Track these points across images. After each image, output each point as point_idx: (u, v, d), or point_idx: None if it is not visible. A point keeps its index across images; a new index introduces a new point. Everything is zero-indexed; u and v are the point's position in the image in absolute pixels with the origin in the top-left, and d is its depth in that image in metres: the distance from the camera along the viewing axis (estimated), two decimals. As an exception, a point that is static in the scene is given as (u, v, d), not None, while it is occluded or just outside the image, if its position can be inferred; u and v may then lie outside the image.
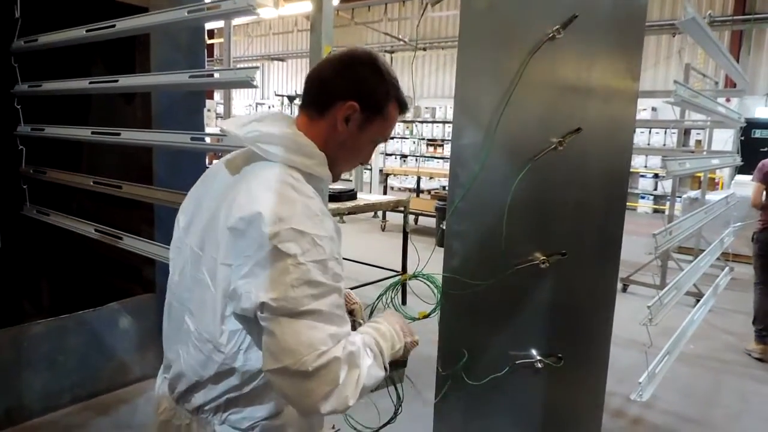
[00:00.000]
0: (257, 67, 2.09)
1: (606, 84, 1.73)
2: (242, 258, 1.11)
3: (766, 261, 5.01)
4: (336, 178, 1.36)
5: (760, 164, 4.92)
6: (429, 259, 1.80)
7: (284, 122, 1.29)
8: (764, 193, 4.87)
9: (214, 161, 1.48)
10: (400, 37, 15.38)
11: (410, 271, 5.75)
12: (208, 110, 12.91)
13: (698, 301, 4.48)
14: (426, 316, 1.93)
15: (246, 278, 1.10)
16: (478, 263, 1.78)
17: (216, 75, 2.54)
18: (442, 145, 16.99)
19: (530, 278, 1.77)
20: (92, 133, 3.08)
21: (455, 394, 1.87)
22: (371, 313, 1.97)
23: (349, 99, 1.26)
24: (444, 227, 1.81)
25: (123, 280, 4.12)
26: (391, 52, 17.79)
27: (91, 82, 3.09)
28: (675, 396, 3.96)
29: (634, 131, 1.78)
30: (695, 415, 3.81)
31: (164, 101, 3.75)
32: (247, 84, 2.12)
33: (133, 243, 3.08)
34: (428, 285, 1.70)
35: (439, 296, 1.90)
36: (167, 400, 1.37)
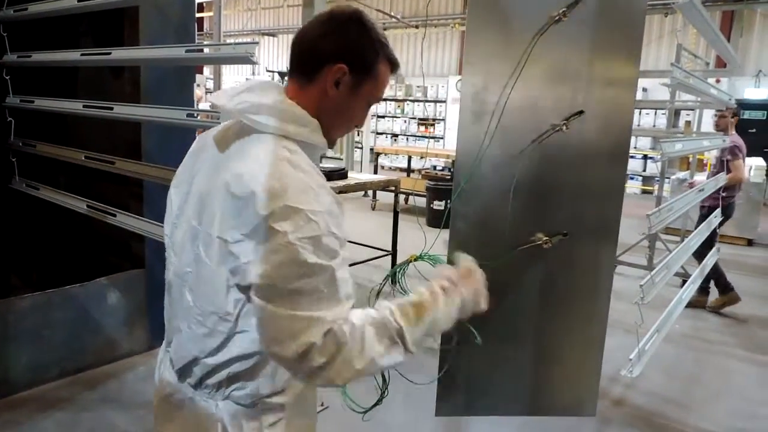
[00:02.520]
0: (257, 43, 2.05)
1: (607, 67, 1.76)
2: (239, 235, 1.11)
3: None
4: (332, 145, 1.33)
5: (732, 146, 5.09)
6: (435, 240, 1.82)
7: (274, 91, 1.25)
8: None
9: (198, 135, 1.47)
10: (392, 14, 15.22)
11: (399, 250, 5.79)
12: (198, 85, 12.74)
13: (684, 281, 4.55)
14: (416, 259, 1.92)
15: (244, 256, 1.10)
16: (483, 243, 1.80)
17: (212, 50, 2.50)
18: (433, 125, 16.90)
19: (532, 258, 1.82)
20: (84, 106, 3.03)
21: (456, 367, 1.91)
22: (377, 294, 1.98)
23: (338, 61, 1.21)
24: (434, 207, 1.83)
25: (112, 255, 4.11)
26: (384, 29, 17.53)
27: (83, 54, 3.04)
28: (658, 375, 4.02)
29: (633, 114, 1.81)
30: (677, 394, 3.87)
31: (154, 76, 3.69)
32: (247, 60, 2.08)
33: (125, 220, 3.06)
34: (433, 266, 1.72)
35: None
36: (169, 375, 1.37)
